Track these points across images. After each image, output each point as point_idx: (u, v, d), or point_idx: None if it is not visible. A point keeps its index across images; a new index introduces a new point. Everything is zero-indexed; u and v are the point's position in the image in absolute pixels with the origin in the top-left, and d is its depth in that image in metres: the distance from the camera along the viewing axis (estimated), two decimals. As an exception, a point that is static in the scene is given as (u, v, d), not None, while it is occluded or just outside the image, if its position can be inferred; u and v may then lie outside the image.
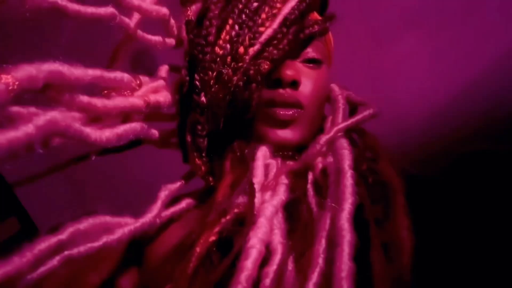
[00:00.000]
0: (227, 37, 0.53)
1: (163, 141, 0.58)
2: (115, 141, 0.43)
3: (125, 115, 0.47)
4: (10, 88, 0.32)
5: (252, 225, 0.40)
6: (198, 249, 0.41)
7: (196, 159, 0.55)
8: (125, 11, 0.49)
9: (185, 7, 0.55)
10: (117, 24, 0.47)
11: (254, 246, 0.38)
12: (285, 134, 0.53)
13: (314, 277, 0.36)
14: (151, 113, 0.53)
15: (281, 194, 0.44)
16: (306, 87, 0.54)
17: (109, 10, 0.45)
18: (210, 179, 0.56)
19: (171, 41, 0.56)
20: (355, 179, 0.43)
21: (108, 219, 0.43)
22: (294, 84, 0.52)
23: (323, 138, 0.50)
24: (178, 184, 0.55)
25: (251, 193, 0.45)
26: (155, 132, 0.53)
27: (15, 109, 0.35)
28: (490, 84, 1.26)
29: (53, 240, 0.38)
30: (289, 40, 0.53)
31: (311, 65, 0.55)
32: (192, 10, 0.56)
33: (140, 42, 0.52)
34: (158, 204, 0.49)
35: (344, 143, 0.47)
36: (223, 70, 0.52)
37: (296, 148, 0.54)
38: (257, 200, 0.44)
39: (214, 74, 0.52)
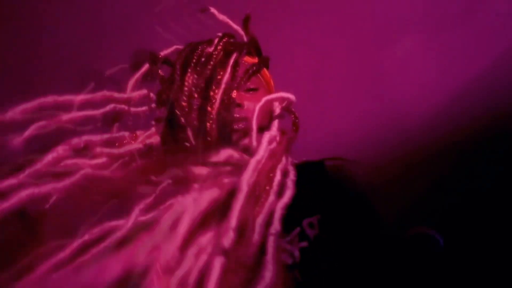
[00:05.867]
0: (190, 80, 0.76)
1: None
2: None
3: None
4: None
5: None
6: None
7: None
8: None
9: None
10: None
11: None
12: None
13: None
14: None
15: None
16: (249, 106, 0.79)
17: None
18: None
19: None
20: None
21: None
22: (239, 106, 0.78)
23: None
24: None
25: None
26: None
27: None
28: (490, 84, 1.29)
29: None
30: (241, 78, 0.78)
31: (250, 92, 0.81)
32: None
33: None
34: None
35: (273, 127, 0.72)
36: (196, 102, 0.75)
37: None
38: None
39: (192, 102, 0.75)
